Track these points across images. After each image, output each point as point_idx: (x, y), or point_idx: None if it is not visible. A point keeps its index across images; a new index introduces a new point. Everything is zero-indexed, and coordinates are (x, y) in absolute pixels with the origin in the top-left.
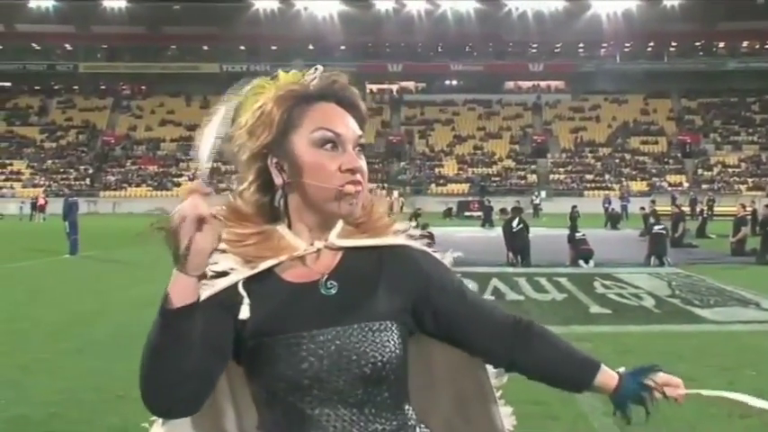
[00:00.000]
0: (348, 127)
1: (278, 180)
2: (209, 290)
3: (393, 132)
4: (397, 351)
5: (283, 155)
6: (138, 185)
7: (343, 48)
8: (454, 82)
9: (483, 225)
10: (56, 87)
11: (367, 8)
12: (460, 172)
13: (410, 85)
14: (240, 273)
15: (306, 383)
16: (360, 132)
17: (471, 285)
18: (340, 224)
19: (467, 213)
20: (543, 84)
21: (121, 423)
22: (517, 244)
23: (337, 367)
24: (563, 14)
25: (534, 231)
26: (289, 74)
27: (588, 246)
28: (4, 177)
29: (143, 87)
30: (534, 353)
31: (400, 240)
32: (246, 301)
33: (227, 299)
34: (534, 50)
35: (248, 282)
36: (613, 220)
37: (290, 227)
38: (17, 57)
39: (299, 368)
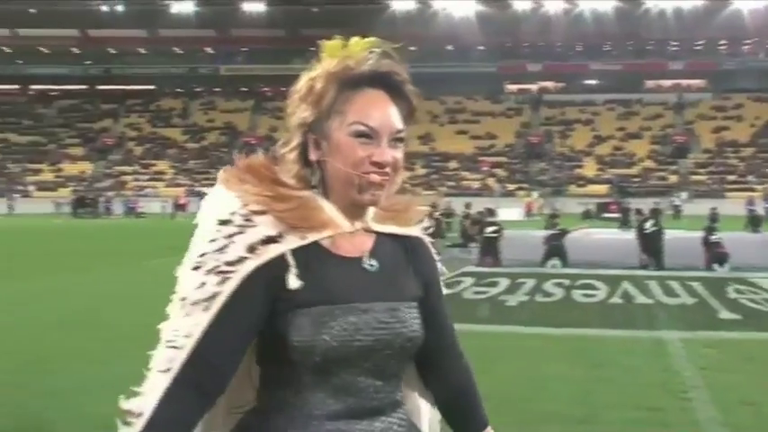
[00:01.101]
0: (387, 120)
1: (313, 156)
2: (256, 259)
3: (533, 133)
4: (422, 330)
5: (321, 133)
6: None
7: (481, 48)
8: (593, 81)
9: (621, 227)
10: (197, 90)
11: (504, 8)
12: (600, 173)
13: (549, 84)
14: (289, 241)
15: (356, 354)
16: (399, 126)
17: (601, 288)
18: (372, 209)
19: (605, 215)
20: (684, 82)
21: None
22: (650, 246)
23: (385, 340)
24: (703, 11)
25: (672, 234)
26: (360, 42)
27: (723, 249)
28: (147, 177)
29: (283, 89)
30: (446, 376)
31: (420, 234)
32: (294, 270)
33: (273, 268)
34: (674, 48)
35: (294, 250)
36: (755, 222)
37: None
38: (160, 60)
39: (353, 338)
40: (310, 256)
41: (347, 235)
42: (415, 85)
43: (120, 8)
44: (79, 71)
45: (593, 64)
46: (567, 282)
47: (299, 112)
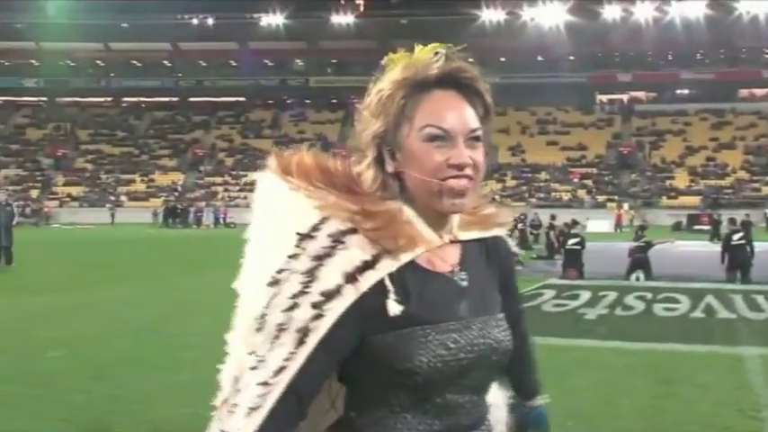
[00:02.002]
0: (460, 120)
1: (390, 168)
2: (354, 291)
3: (623, 143)
4: (511, 341)
5: (395, 144)
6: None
7: (571, 58)
8: (685, 91)
9: (711, 239)
10: (288, 101)
11: (594, 17)
12: (692, 184)
13: (641, 94)
14: (384, 265)
15: (457, 373)
16: (474, 125)
17: (683, 301)
18: (456, 216)
19: (696, 227)
20: None
21: None
22: (736, 258)
23: (483, 356)
24: None
25: (762, 246)
26: (425, 49)
27: None
28: (238, 188)
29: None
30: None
31: (501, 232)
32: (394, 297)
33: (370, 297)
34: None
35: (391, 273)
36: None
37: None
38: (250, 72)
39: (455, 357)
40: (406, 276)
41: (437, 249)
42: (506, 96)
43: (210, 21)
44: (170, 83)
45: (684, 73)
46: (649, 295)
47: (369, 126)
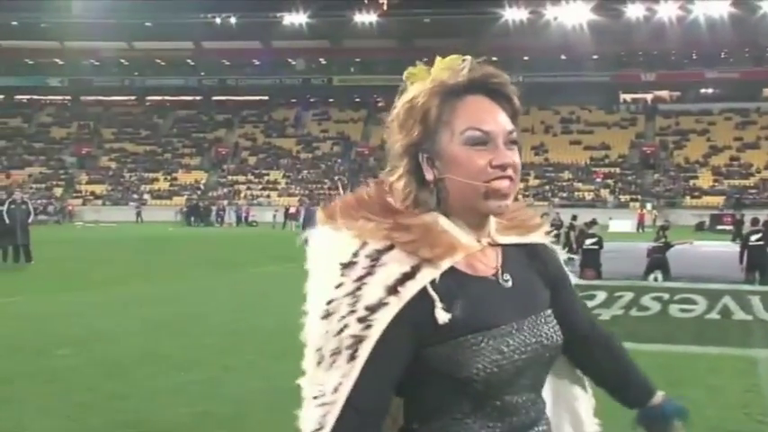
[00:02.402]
0: (498, 122)
1: (429, 176)
2: (397, 301)
3: (647, 143)
4: (561, 336)
5: (434, 151)
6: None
7: (595, 57)
8: (710, 90)
9: (734, 239)
10: (311, 100)
11: (617, 16)
12: (716, 184)
13: (664, 94)
14: (425, 274)
15: (514, 374)
16: (510, 127)
17: (700, 302)
18: (494, 220)
19: (719, 227)
20: None
21: None
22: (754, 259)
23: (537, 354)
24: None
25: None
26: (444, 61)
27: None
28: (261, 187)
29: (396, 99)
30: (596, 360)
31: (545, 240)
32: (440, 305)
33: (416, 307)
34: None
35: (433, 281)
36: None
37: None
38: (273, 71)
39: (511, 359)
40: (450, 284)
41: (477, 253)
42: (529, 95)
43: (233, 20)
44: (194, 82)
45: (708, 72)
46: (666, 296)
47: (402, 136)
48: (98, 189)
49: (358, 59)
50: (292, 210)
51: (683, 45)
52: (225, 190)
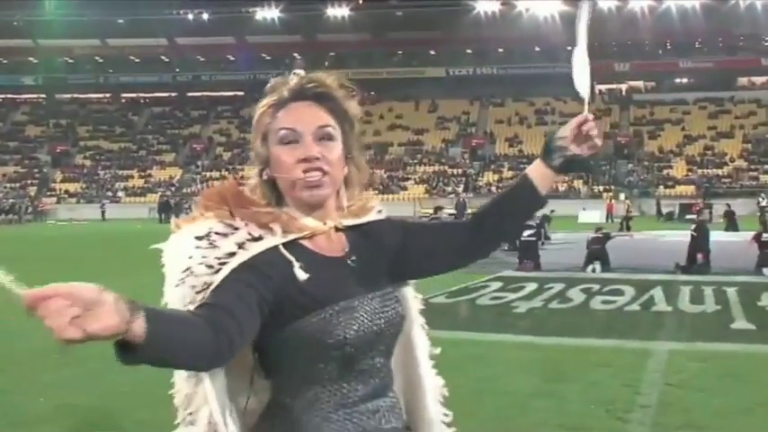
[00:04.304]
0: (306, 120)
1: (264, 175)
2: (245, 253)
3: (621, 133)
4: (401, 313)
5: (264, 155)
6: (364, 189)
7: (569, 48)
8: (684, 80)
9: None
10: None
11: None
12: (689, 173)
13: (639, 84)
14: (273, 239)
15: (374, 338)
16: (321, 122)
17: (627, 294)
18: (332, 207)
19: (688, 216)
20: None
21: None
22: (697, 247)
23: (390, 323)
24: None
25: (742, 236)
26: (276, 81)
27: None
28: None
29: (371, 93)
30: (488, 219)
31: (381, 216)
32: (297, 264)
33: (263, 264)
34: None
35: (284, 244)
36: None
37: None
38: (248, 67)
39: (373, 323)
40: (302, 259)
41: (324, 237)
42: (504, 87)
43: (205, 16)
44: (168, 79)
45: (682, 62)
46: (595, 287)
47: (253, 144)
48: (72, 187)
49: (332, 53)
50: None
51: (657, 35)
52: (199, 186)
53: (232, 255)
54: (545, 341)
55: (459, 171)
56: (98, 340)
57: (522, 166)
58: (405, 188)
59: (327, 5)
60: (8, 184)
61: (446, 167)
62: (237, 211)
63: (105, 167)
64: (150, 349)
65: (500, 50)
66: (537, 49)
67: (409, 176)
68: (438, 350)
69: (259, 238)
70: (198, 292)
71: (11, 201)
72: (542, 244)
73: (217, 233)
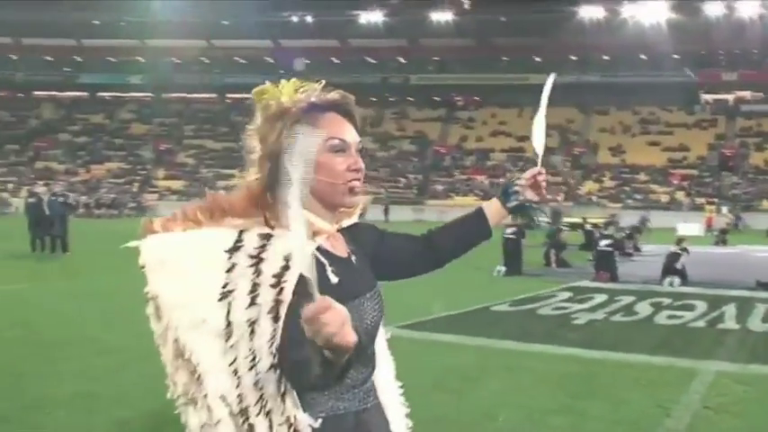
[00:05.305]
0: (352, 134)
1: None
2: (295, 268)
3: (727, 145)
4: (381, 311)
5: (278, 151)
6: (465, 195)
7: (675, 56)
8: None
9: None
10: (390, 99)
11: (695, 14)
12: None
13: (746, 94)
14: (309, 246)
15: (374, 329)
16: (358, 139)
17: (698, 309)
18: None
19: None
20: None
21: None
22: None
23: (380, 317)
24: None
25: None
26: (292, 83)
27: None
28: None
29: (475, 98)
30: (442, 239)
31: (355, 220)
32: (329, 267)
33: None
34: None
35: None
36: None
37: None
38: (352, 70)
39: (376, 317)
40: (327, 260)
41: (332, 237)
42: (608, 95)
43: (309, 19)
44: (274, 80)
45: None
46: (666, 301)
47: (262, 146)
48: (174, 185)
49: (436, 58)
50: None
51: (766, 44)
52: None
53: (286, 268)
54: (589, 354)
55: (560, 179)
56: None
57: (623, 176)
58: None
59: (432, 10)
60: (112, 180)
61: (547, 175)
62: (258, 220)
63: (208, 166)
64: (346, 366)
65: (605, 58)
66: (642, 56)
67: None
68: (388, 335)
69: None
70: (269, 312)
71: (112, 196)
72: (631, 255)
73: (254, 248)
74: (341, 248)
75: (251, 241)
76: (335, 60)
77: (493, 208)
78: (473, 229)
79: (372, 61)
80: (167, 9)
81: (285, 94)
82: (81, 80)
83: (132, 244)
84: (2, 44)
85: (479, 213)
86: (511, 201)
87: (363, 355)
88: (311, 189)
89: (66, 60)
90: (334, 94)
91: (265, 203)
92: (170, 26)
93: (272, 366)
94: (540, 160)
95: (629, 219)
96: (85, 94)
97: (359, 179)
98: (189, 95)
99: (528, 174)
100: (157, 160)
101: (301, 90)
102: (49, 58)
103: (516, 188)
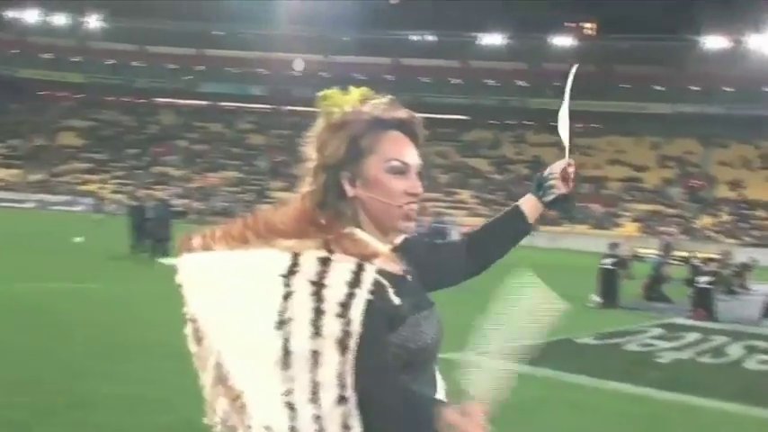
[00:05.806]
0: (415, 157)
1: (350, 193)
2: (360, 295)
3: None
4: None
5: (356, 171)
6: (580, 223)
7: None
8: None
9: None
10: (508, 122)
11: None
12: None
13: None
14: (368, 268)
15: (434, 347)
16: (419, 162)
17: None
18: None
19: None
20: None
21: None
22: None
23: (438, 338)
24: None
25: None
26: (359, 91)
27: None
28: (446, 205)
29: (594, 125)
30: (483, 242)
31: (401, 237)
32: (391, 289)
33: (374, 294)
34: None
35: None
36: None
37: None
38: (471, 91)
39: (436, 336)
40: (386, 280)
41: (388, 257)
42: (729, 128)
43: (430, 38)
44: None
45: None
46: (762, 345)
47: (319, 156)
48: (287, 196)
49: (556, 83)
50: (465, 230)
51: None
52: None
53: (351, 296)
54: (662, 396)
55: (676, 212)
56: None
57: (742, 211)
58: (618, 224)
59: (553, 35)
60: (227, 188)
61: (663, 207)
62: (315, 242)
63: None
64: None
65: (727, 89)
66: (766, 89)
67: (624, 213)
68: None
69: (360, 269)
70: (337, 343)
71: (226, 204)
72: (736, 293)
73: (315, 273)
74: (395, 267)
75: (309, 265)
76: (454, 81)
77: (529, 204)
78: (513, 228)
79: (492, 83)
80: (288, 22)
81: (349, 103)
82: (201, 89)
83: (169, 261)
84: (126, 51)
85: (517, 211)
86: (547, 195)
87: (425, 373)
88: (364, 208)
89: (188, 69)
90: (401, 112)
91: (319, 221)
92: (291, 40)
93: (340, 400)
94: (567, 152)
95: (743, 256)
96: (205, 102)
97: (414, 203)
98: (306, 108)
99: (557, 166)
100: (273, 171)
101: (368, 101)
102: (171, 66)
103: (552, 182)
